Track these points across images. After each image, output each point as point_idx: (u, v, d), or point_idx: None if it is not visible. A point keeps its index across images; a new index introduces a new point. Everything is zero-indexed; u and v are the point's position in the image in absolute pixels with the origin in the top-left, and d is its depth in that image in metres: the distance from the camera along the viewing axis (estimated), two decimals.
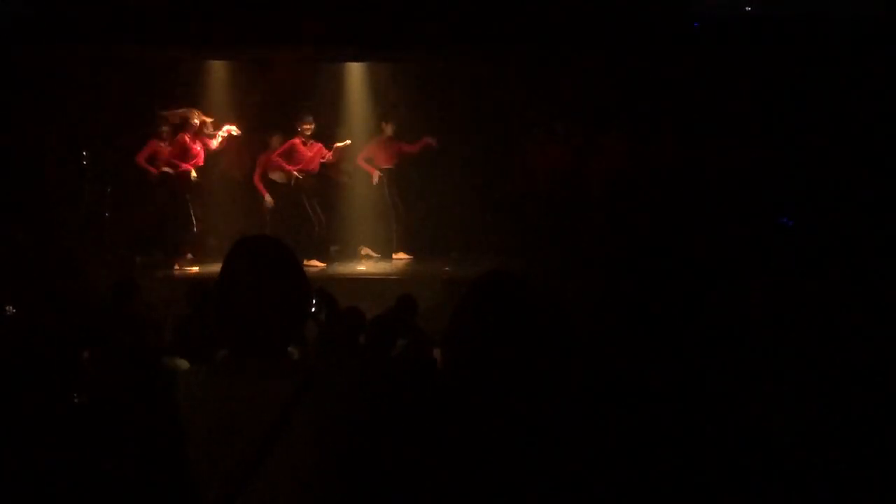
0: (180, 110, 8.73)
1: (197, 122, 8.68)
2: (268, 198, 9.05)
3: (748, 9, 7.12)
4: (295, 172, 8.93)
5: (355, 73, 10.09)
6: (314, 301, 4.16)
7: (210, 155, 8.96)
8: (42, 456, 2.65)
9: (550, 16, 7.49)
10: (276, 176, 9.06)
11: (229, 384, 1.77)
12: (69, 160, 9.69)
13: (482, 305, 2.00)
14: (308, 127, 8.89)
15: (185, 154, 8.66)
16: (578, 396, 1.84)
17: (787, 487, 1.65)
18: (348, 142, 9.25)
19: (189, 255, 8.92)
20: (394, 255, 9.51)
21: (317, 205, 9.16)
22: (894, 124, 8.28)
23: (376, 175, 9.30)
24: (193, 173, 8.67)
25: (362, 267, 9.16)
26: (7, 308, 5.13)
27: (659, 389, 1.70)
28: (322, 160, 9.07)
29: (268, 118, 9.64)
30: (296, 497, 1.70)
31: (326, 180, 9.49)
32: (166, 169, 8.61)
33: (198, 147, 8.75)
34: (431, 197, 9.97)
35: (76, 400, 3.17)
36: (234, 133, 8.89)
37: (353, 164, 9.59)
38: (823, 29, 7.26)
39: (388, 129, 9.35)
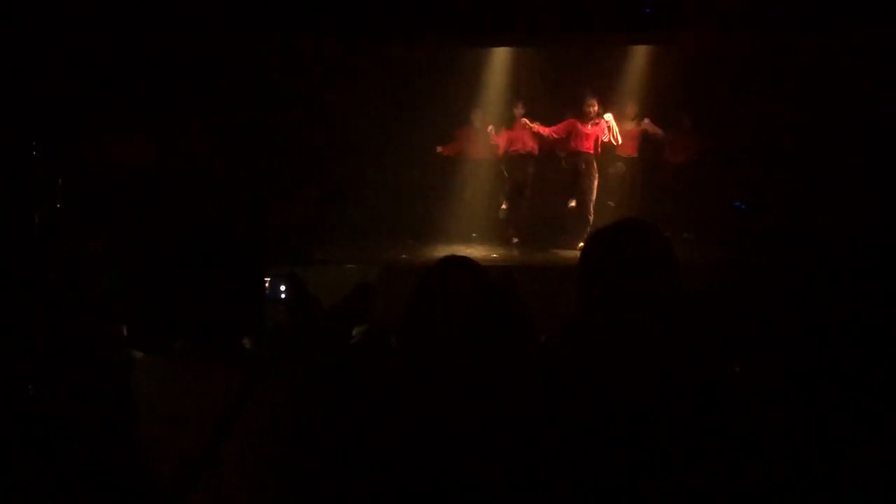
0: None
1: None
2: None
3: None
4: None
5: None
6: (284, 288, 4.11)
7: None
8: None
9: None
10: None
11: (183, 374, 1.77)
12: (18, 150, 9.45)
13: (437, 290, 2.02)
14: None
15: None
16: (534, 375, 1.86)
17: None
18: None
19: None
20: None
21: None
22: (854, 102, 8.38)
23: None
24: None
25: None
26: None
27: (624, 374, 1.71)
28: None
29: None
30: (250, 485, 1.71)
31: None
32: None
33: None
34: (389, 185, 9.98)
35: (30, 390, 3.13)
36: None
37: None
38: (775, 10, 7.31)
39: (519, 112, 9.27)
